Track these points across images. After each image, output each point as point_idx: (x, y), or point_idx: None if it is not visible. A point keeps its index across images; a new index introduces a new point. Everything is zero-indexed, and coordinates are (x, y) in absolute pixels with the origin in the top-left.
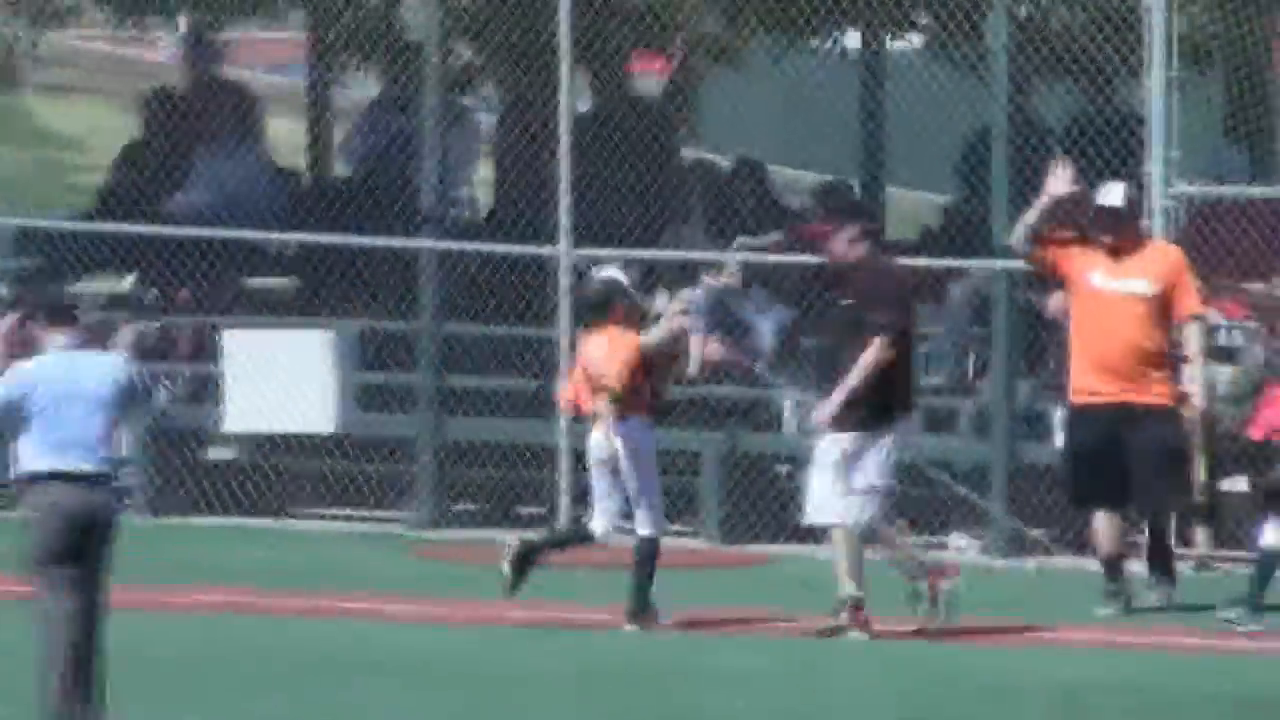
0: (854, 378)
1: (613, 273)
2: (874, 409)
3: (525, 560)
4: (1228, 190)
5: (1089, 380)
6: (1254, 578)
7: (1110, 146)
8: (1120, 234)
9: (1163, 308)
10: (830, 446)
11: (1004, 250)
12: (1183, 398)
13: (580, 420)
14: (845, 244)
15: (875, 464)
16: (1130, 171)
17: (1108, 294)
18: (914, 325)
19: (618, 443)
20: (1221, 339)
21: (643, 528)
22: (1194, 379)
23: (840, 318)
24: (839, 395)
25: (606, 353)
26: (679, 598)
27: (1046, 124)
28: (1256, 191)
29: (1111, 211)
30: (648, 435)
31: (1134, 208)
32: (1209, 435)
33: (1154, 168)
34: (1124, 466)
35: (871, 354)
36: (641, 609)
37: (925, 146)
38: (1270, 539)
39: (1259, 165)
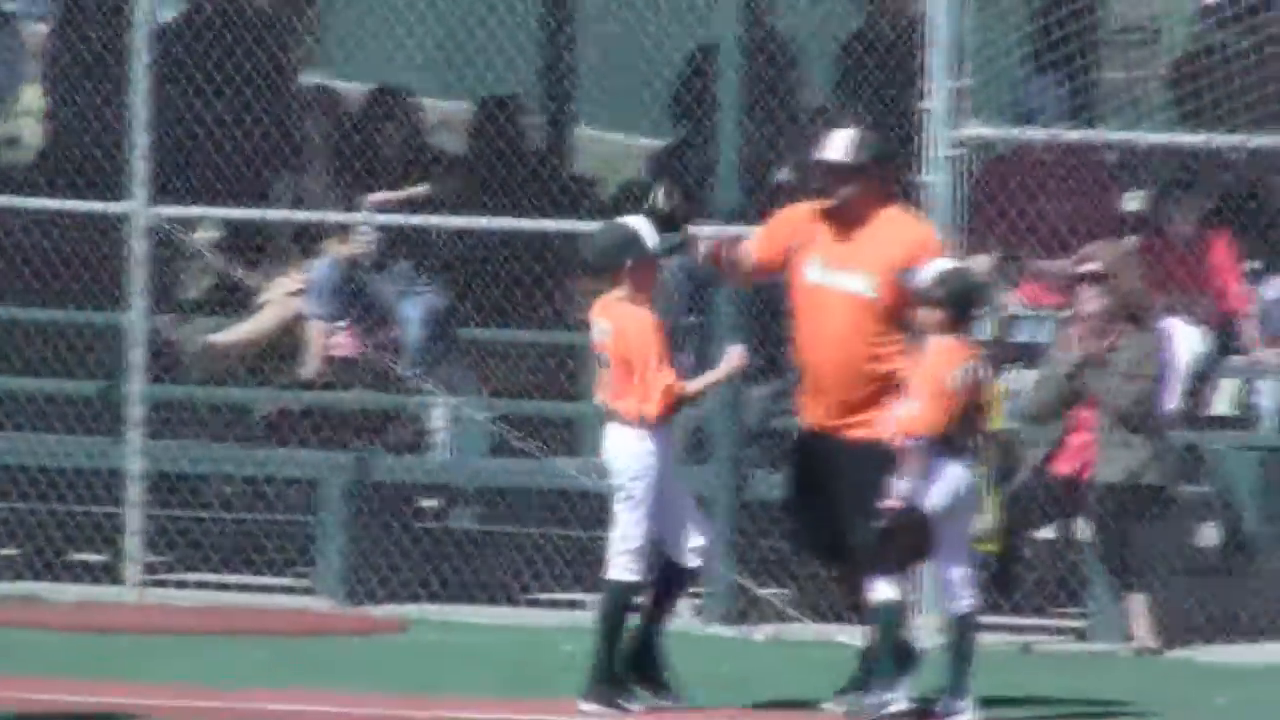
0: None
1: None
2: None
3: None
4: (1035, 133)
5: (804, 400)
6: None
7: (882, 74)
8: (839, 199)
9: (890, 313)
10: None
11: (736, 210)
12: None
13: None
14: None
15: None
16: (906, 107)
17: (823, 290)
18: None
19: None
20: (1024, 333)
21: None
22: None
23: None
24: None
25: None
26: (282, 674)
27: (793, 44)
28: (1073, 136)
29: (828, 167)
30: None
31: (871, 164)
32: (1006, 465)
33: (936, 102)
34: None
35: None
36: None
37: (629, 74)
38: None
39: (1076, 101)
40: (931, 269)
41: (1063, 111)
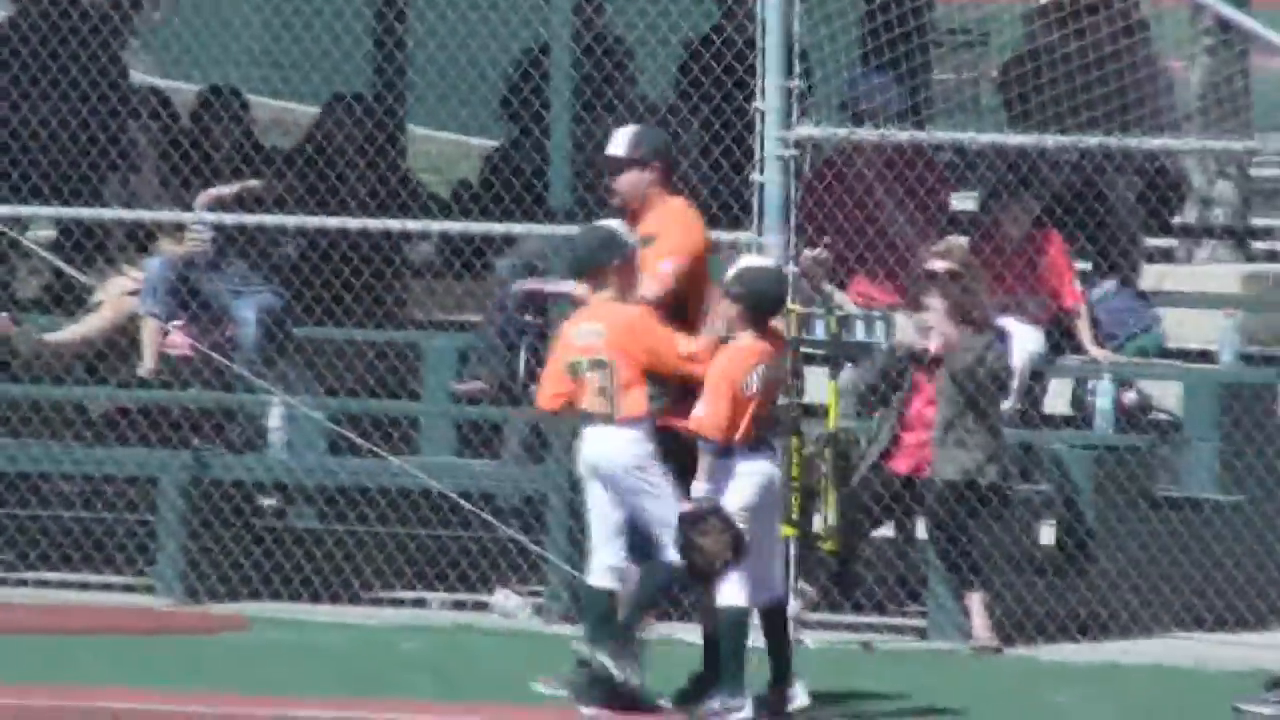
0: None
1: None
2: None
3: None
4: (866, 134)
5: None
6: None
7: (726, 76)
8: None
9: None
10: None
11: (567, 210)
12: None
13: None
14: None
15: None
16: (740, 106)
17: None
18: None
19: None
20: (859, 333)
21: None
22: None
23: None
24: None
25: None
26: (123, 673)
27: (626, 42)
28: (903, 136)
29: (609, 161)
30: None
31: (654, 157)
32: (842, 465)
33: (768, 103)
34: None
35: None
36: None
37: (461, 73)
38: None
39: (909, 102)
40: (734, 265)
41: (895, 113)
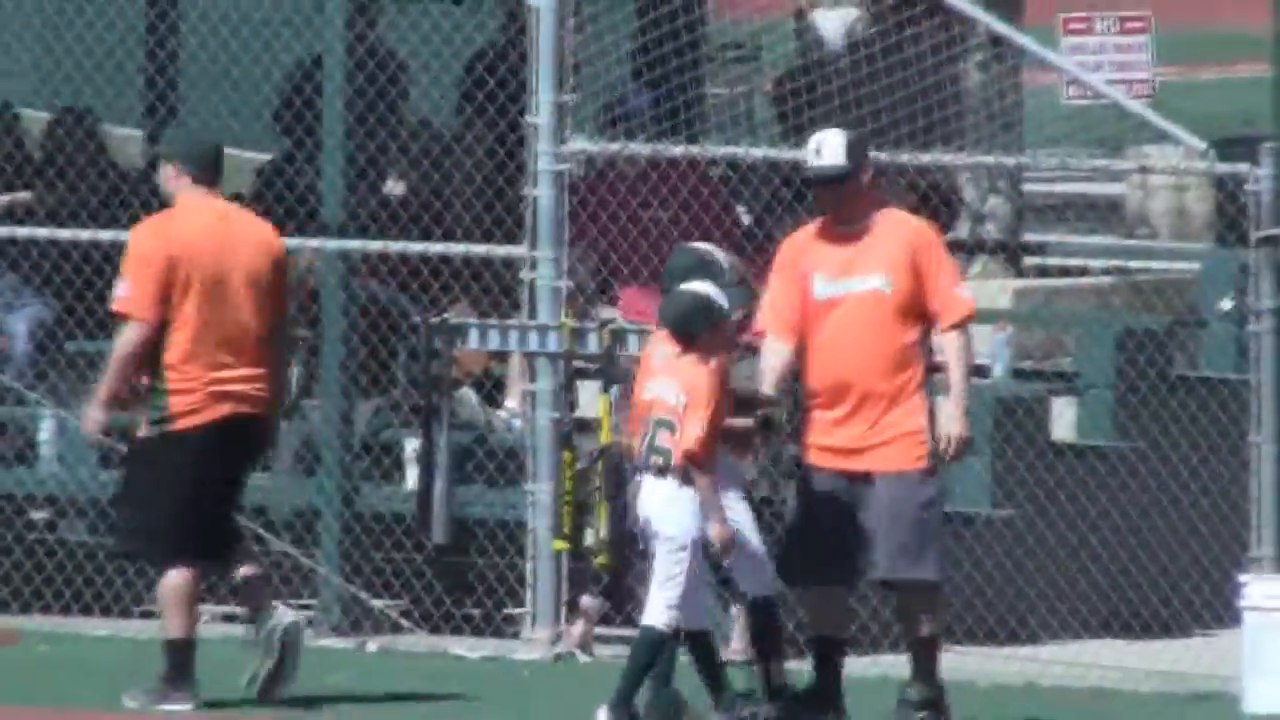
0: None
1: None
2: None
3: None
4: (638, 148)
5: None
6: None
7: (501, 90)
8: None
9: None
10: None
11: (339, 225)
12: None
13: None
14: None
15: None
16: (513, 122)
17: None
18: None
19: None
20: (633, 348)
21: None
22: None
23: None
24: None
25: None
26: None
27: (399, 55)
28: (677, 151)
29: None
30: None
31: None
32: (615, 479)
33: (541, 117)
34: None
35: None
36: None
37: (230, 86)
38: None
39: (675, 118)
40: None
41: (666, 127)
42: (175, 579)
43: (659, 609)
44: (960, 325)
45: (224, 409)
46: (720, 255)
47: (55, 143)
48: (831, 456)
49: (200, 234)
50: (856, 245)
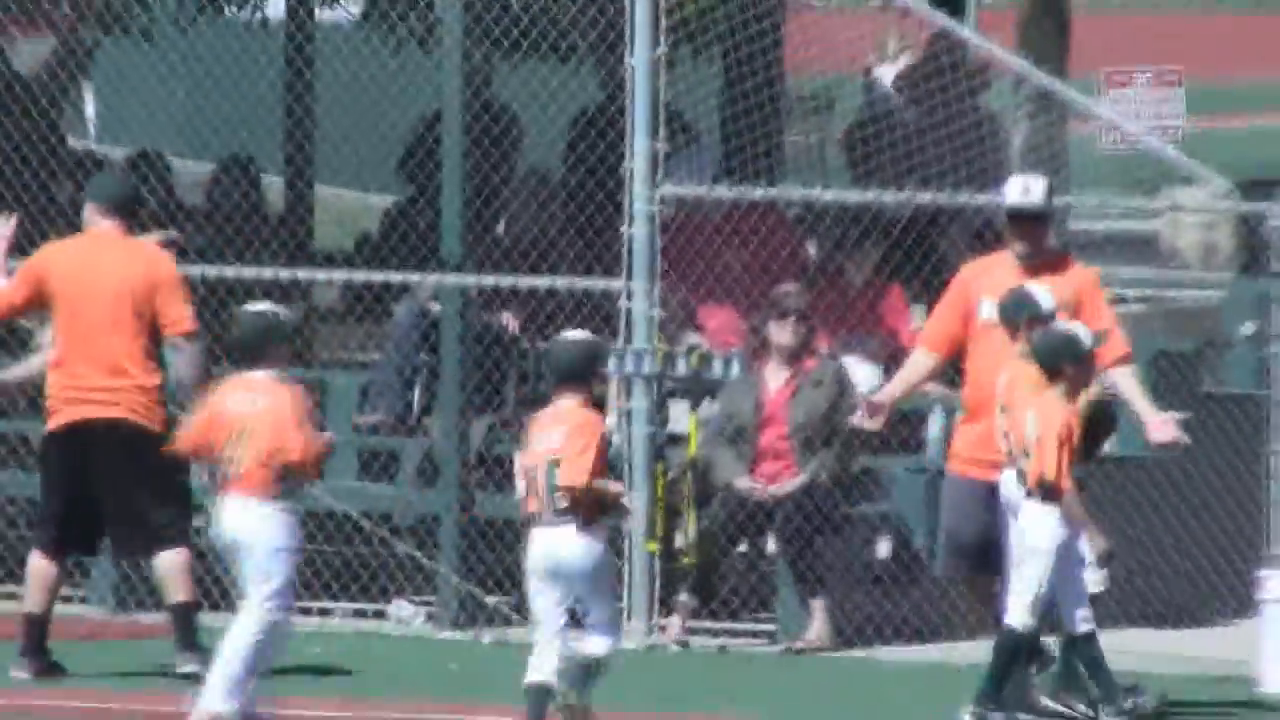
0: None
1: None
2: None
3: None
4: (723, 192)
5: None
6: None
7: (600, 138)
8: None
9: None
10: None
11: (457, 261)
12: None
13: None
14: None
15: None
16: (612, 167)
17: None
18: None
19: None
20: (718, 370)
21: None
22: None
23: None
24: None
25: None
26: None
27: (512, 111)
28: (758, 194)
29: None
30: None
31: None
32: (703, 484)
33: (637, 164)
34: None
35: None
36: None
37: (363, 137)
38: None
39: (760, 165)
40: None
41: (751, 171)
42: (33, 561)
43: (1018, 611)
44: (1119, 363)
45: (77, 413)
46: (1042, 295)
47: (221, 189)
48: (978, 467)
49: (71, 258)
50: (1029, 278)
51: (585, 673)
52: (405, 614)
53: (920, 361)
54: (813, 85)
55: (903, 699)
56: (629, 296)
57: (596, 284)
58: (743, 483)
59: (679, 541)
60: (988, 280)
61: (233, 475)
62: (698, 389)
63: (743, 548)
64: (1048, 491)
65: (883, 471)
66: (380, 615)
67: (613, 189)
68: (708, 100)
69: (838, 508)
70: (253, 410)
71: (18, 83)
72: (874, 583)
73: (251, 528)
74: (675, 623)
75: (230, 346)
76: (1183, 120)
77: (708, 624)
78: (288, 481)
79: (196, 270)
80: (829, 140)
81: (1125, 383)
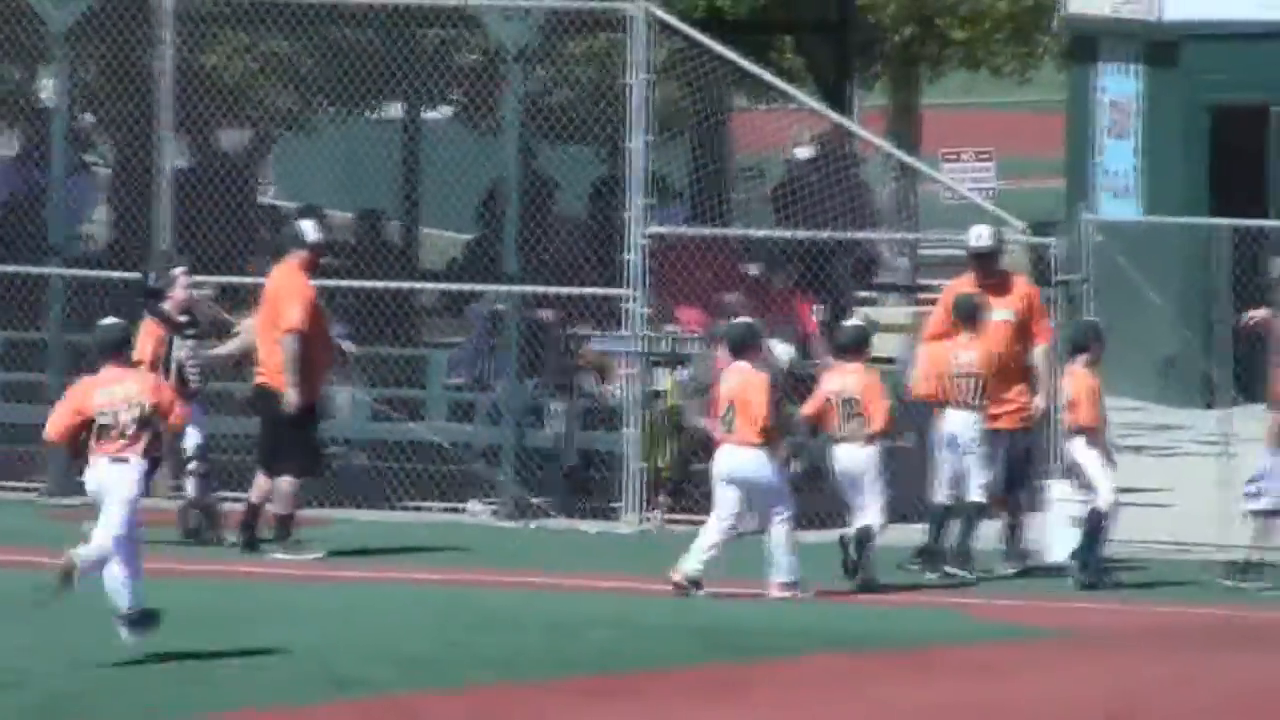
0: None
1: None
2: None
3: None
4: (694, 230)
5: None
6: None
7: (609, 196)
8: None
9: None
10: None
11: (514, 275)
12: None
13: None
14: None
15: None
16: (613, 213)
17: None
18: None
19: None
20: (687, 348)
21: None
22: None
23: None
24: None
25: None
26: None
27: (550, 177)
28: (712, 231)
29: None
30: None
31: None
32: (676, 424)
33: (633, 211)
34: None
35: None
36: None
37: (453, 195)
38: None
39: (715, 213)
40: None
41: (709, 217)
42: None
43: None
44: (1048, 342)
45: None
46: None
47: (360, 229)
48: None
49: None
50: (987, 295)
51: None
52: (477, 510)
53: (936, 349)
54: (750, 160)
55: (805, 565)
56: (628, 300)
57: (608, 291)
58: (703, 423)
59: (660, 461)
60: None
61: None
62: (673, 360)
63: (703, 465)
64: None
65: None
66: (460, 511)
67: (618, 229)
68: (681, 170)
69: None
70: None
71: (225, 162)
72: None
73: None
74: (658, 515)
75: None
76: (995, 183)
77: (679, 516)
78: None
79: (346, 283)
80: (762, 196)
81: (1041, 356)
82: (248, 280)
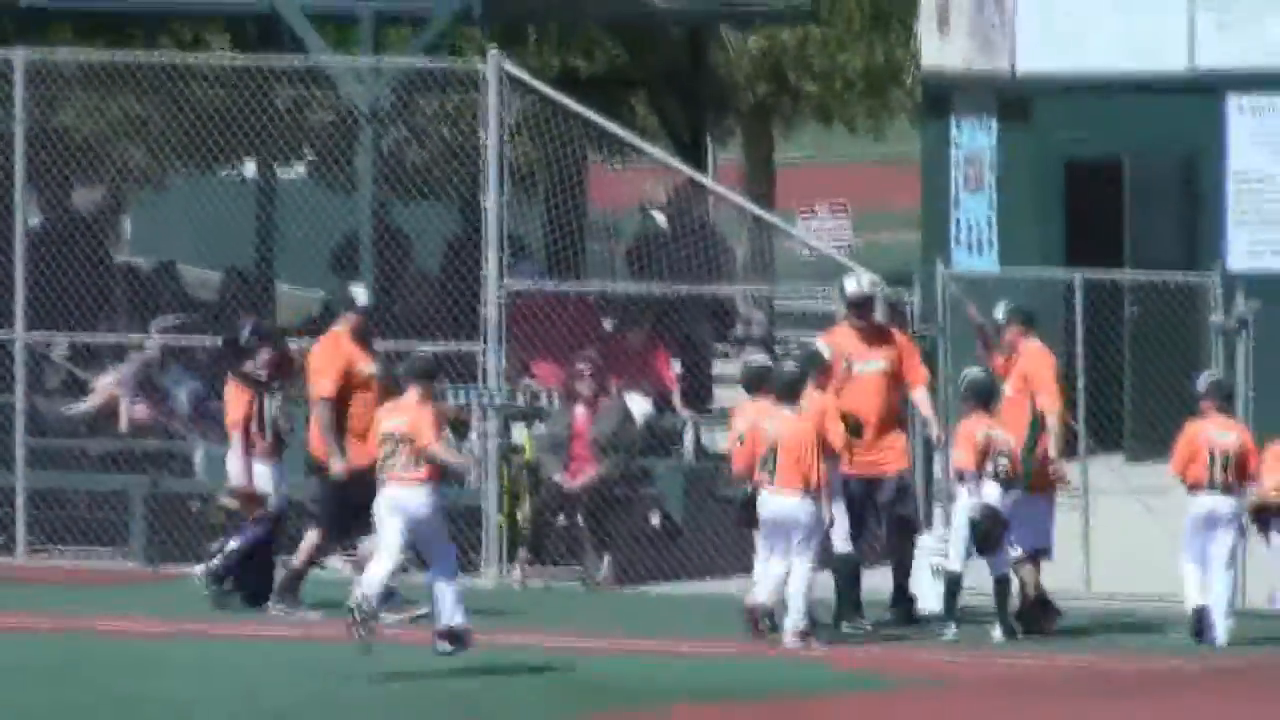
0: None
1: None
2: None
3: None
4: (548, 285)
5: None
6: None
7: (466, 252)
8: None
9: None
10: None
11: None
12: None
13: None
14: None
15: None
16: (474, 270)
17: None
18: None
19: None
20: (544, 402)
21: None
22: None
23: None
24: None
25: None
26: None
27: (405, 234)
28: (570, 287)
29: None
30: None
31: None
32: (534, 478)
33: (490, 268)
34: None
35: None
36: None
37: (308, 251)
38: None
39: (571, 268)
40: None
41: (565, 272)
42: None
43: None
44: (925, 385)
45: None
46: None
47: (226, 286)
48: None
49: None
50: (865, 343)
51: None
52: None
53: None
54: (605, 216)
55: (666, 618)
56: (485, 355)
57: (464, 346)
58: (559, 478)
59: (519, 516)
60: (844, 343)
61: None
62: (530, 415)
63: (561, 520)
64: None
65: (653, 469)
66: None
67: (474, 284)
68: (536, 227)
69: (623, 492)
70: None
71: (77, 217)
72: (647, 542)
73: None
74: (517, 571)
75: None
76: (851, 238)
77: (538, 570)
78: None
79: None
80: (617, 251)
81: (922, 400)
82: (97, 338)
